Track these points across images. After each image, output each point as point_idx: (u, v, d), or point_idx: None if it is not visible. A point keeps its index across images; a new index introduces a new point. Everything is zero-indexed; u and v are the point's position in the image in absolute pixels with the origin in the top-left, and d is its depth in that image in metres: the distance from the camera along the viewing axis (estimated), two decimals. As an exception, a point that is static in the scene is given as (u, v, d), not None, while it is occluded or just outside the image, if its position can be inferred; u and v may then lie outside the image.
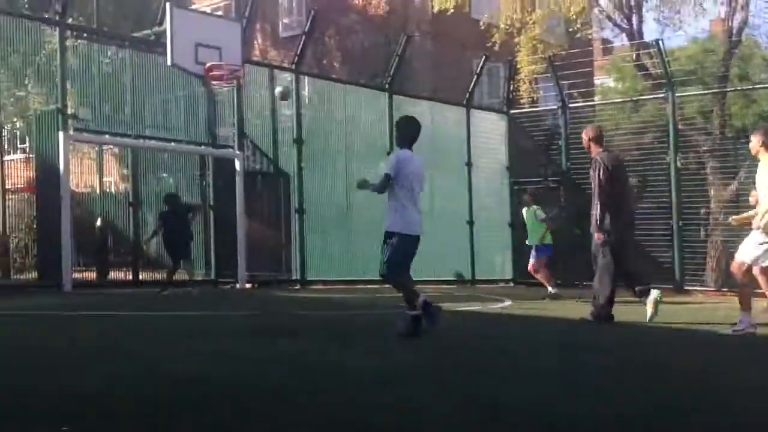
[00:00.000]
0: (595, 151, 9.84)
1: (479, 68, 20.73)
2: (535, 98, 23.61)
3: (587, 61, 24.62)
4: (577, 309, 10.68)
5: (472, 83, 20.53)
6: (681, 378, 5.97)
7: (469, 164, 20.12)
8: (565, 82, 21.06)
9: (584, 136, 10.14)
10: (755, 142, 8.57)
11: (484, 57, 20.86)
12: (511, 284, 19.70)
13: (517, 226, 18.17)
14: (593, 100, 22.83)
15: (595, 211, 9.60)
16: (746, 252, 8.58)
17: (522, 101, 22.59)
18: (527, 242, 15.12)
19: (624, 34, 23.23)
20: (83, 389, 4.77)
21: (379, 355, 6.75)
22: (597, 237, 9.61)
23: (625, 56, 24.84)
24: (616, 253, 9.56)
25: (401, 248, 7.61)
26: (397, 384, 5.29)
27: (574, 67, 21.13)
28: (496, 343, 7.82)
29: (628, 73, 25.93)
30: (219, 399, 4.55)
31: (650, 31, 36.09)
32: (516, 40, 23.41)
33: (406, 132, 7.98)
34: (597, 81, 30.25)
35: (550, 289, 14.50)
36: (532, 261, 14.94)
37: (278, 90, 15.23)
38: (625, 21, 22.75)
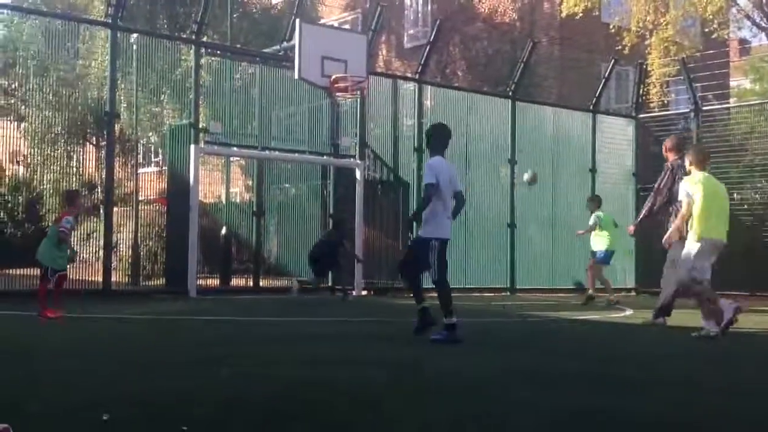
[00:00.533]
0: (672, 158, 10.36)
1: (608, 72, 20.35)
2: (665, 102, 22.94)
3: (723, 62, 23.69)
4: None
5: (600, 87, 20.15)
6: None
7: (593, 170, 19.78)
8: (699, 84, 20.36)
9: (663, 146, 10.70)
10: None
11: (613, 60, 20.48)
12: (633, 293, 19.14)
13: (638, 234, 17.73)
14: (728, 103, 21.94)
15: (644, 210, 10.44)
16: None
17: (652, 105, 22.01)
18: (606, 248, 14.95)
19: (763, 34, 22.34)
20: (203, 390, 5.01)
21: (489, 360, 6.83)
22: (629, 228, 11.33)
23: (763, 56, 23.83)
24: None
25: (443, 252, 7.89)
26: (492, 391, 5.30)
27: (708, 68, 20.45)
28: (614, 354, 7.68)
29: (766, 74, 24.81)
30: (335, 402, 4.73)
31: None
32: (647, 42, 22.86)
33: (436, 139, 8.20)
34: (733, 83, 28.99)
35: (590, 291, 14.87)
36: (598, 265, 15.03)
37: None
38: (765, 20, 21.84)
